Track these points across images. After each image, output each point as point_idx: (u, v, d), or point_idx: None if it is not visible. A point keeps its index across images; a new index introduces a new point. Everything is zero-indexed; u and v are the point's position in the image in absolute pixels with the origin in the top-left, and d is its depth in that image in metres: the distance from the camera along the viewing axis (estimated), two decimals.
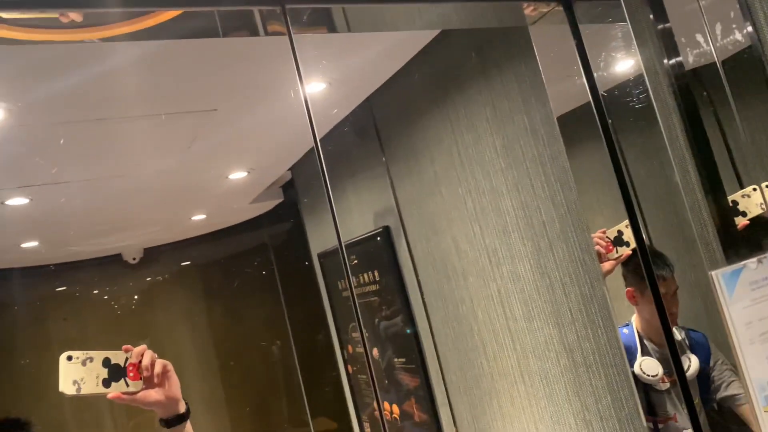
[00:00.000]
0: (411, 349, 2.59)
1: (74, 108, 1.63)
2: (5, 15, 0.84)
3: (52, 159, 1.96)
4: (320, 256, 3.51)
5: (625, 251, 1.36)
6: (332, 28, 1.30)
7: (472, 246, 2.12)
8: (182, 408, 1.20)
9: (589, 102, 1.33)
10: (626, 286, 1.45)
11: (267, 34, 1.14)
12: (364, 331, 2.73)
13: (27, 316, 4.12)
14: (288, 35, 1.02)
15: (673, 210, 1.33)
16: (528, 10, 1.32)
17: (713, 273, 1.08)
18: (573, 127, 1.51)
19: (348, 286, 1.00)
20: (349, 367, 3.39)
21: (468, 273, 2.17)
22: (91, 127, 1.78)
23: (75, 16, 0.93)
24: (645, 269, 1.25)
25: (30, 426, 1.42)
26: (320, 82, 1.86)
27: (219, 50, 1.50)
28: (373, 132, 2.58)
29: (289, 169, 3.20)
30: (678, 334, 1.30)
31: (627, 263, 1.39)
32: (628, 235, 1.33)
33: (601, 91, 1.32)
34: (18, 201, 2.37)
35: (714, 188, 1.28)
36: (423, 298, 2.51)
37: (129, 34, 1.06)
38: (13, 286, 3.97)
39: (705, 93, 1.33)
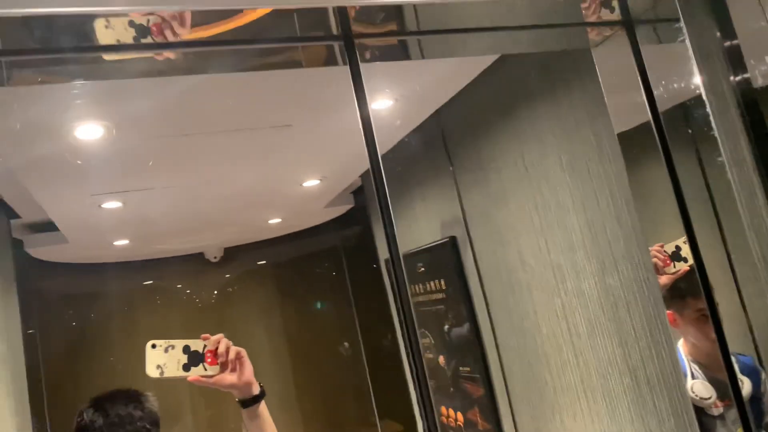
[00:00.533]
0: (476, 358, 2.62)
1: (164, 124, 1.77)
2: (108, 57, 0.96)
3: (143, 168, 2.13)
4: (387, 261, 3.59)
5: (683, 267, 1.35)
6: (405, 56, 1.37)
7: (538, 260, 2.12)
8: (256, 390, 1.32)
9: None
10: (666, 309, 1.44)
11: (345, 64, 1.20)
12: (422, 336, 2.77)
13: (118, 307, 4.43)
14: (350, 68, 1.09)
15: (734, 231, 1.31)
16: (592, 34, 1.34)
17: None
18: (641, 143, 1.51)
19: (397, 293, 1.04)
20: None
21: (533, 287, 2.18)
22: (178, 140, 1.92)
23: (169, 54, 1.04)
24: (703, 287, 1.24)
25: (141, 395, 1.57)
26: (387, 99, 1.93)
27: (294, 72, 1.59)
28: (441, 142, 2.63)
29: (359, 176, 3.30)
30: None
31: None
32: (687, 251, 1.32)
33: (661, 110, 1.32)
34: (112, 205, 2.58)
35: None
36: (488, 309, 2.53)
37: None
38: (106, 279, 4.28)
39: None
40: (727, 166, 1.27)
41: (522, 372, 2.34)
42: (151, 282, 4.58)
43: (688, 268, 1.33)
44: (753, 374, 1.31)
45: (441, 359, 2.93)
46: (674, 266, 1.38)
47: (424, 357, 3.29)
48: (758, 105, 1.32)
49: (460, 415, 2.82)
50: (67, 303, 4.15)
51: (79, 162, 1.84)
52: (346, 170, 2.85)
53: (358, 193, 3.90)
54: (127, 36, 0.96)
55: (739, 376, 1.29)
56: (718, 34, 1.34)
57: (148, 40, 0.97)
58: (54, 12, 0.90)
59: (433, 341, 3.00)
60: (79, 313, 4.21)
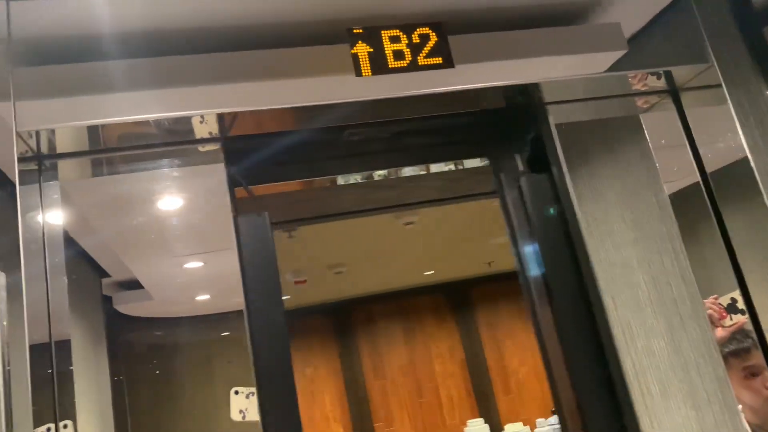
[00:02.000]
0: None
1: None
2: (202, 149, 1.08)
3: (219, 232, 2.28)
4: None
5: (741, 319, 1.32)
6: None
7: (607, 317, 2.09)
8: None
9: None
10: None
11: None
12: None
13: (197, 357, 4.61)
14: None
15: None
16: (640, 102, 1.37)
17: None
18: (697, 201, 1.52)
19: None
20: None
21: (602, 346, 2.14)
22: None
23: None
24: (759, 342, 1.22)
25: None
26: None
27: None
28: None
29: None
30: None
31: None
32: (742, 303, 1.30)
33: (711, 169, 1.34)
34: (194, 264, 2.76)
35: None
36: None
37: None
38: (188, 331, 4.48)
39: None
40: None
41: None
42: (228, 333, 4.76)
43: (746, 320, 1.30)
44: None
45: None
46: (731, 318, 1.35)
47: None
48: None
49: None
50: (152, 354, 4.36)
51: (160, 229, 2.00)
52: None
53: None
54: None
55: None
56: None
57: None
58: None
59: None
60: (163, 363, 4.41)
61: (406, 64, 1.15)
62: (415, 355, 7.06)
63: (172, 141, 1.29)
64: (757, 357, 1.29)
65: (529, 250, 1.80)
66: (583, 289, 1.61)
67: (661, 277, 1.78)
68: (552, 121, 1.49)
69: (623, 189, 1.90)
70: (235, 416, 1.35)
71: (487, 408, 7.04)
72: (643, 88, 1.35)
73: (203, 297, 3.75)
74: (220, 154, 1.44)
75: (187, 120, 1.25)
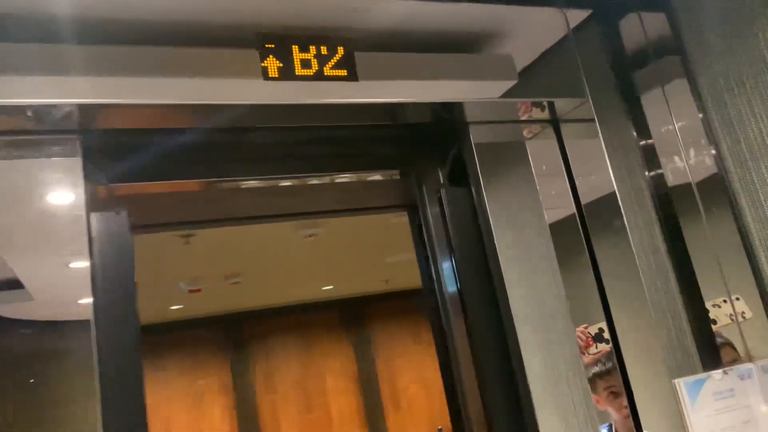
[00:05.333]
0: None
1: None
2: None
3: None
4: None
5: (604, 348, 1.45)
6: None
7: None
8: None
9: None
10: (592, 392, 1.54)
11: None
12: None
13: (79, 366, 4.35)
14: None
15: (647, 315, 1.43)
16: (525, 131, 1.49)
17: (676, 381, 1.17)
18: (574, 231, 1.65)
19: None
20: None
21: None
22: None
23: None
24: (620, 368, 1.35)
25: None
26: None
27: None
28: None
29: None
30: None
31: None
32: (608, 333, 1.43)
33: (588, 200, 1.46)
34: (80, 264, 2.63)
35: (692, 296, 1.38)
36: None
37: None
38: (69, 337, 4.22)
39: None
40: (635, 255, 1.40)
41: None
42: None
43: (609, 349, 1.43)
44: None
45: None
46: (596, 347, 1.49)
47: None
48: (670, 197, 1.47)
49: None
50: (27, 360, 4.07)
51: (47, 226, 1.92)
52: None
53: None
54: None
55: None
56: (634, 133, 1.50)
57: None
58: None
59: None
60: (38, 372, 4.13)
61: (312, 73, 1.20)
62: (308, 370, 7.04)
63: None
64: (618, 379, 1.43)
65: (446, 264, 1.85)
66: (495, 305, 1.69)
67: (536, 295, 1.91)
68: (473, 139, 1.58)
69: (506, 211, 2.03)
70: None
71: (375, 424, 7.11)
72: (527, 117, 1.47)
73: (87, 300, 3.56)
74: (77, 148, 1.37)
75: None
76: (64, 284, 2.54)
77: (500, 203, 2.06)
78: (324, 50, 1.20)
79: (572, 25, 1.54)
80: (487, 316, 1.71)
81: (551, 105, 1.48)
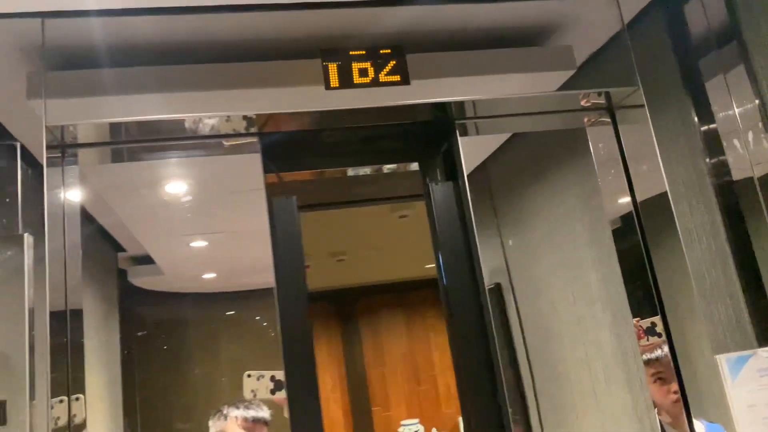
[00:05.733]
0: (517, 401, 2.77)
1: (233, 181, 2.15)
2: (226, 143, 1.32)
3: (220, 215, 2.52)
4: None
5: (656, 341, 1.52)
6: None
7: (566, 310, 2.30)
8: None
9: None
10: None
11: None
12: None
13: (203, 333, 4.84)
14: None
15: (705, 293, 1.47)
16: (585, 120, 1.58)
17: (717, 357, 1.24)
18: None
19: None
20: None
21: (563, 335, 2.35)
22: (246, 195, 2.30)
23: None
24: (672, 360, 1.42)
25: None
26: None
27: None
28: (488, 196, 2.86)
29: None
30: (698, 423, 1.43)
31: None
32: (661, 327, 1.49)
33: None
34: (200, 243, 3.01)
35: (749, 279, 1.42)
36: (527, 355, 2.70)
37: None
38: (195, 308, 4.71)
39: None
40: (681, 238, 1.44)
41: (555, 417, 2.48)
42: (233, 312, 5.01)
43: (660, 341, 1.50)
44: None
45: None
46: (648, 339, 1.56)
47: None
48: (731, 183, 1.50)
49: None
50: (161, 328, 4.60)
51: (168, 210, 2.25)
52: None
53: None
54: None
55: None
56: (695, 119, 1.54)
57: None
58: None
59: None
60: (170, 337, 4.66)
61: (368, 81, 1.37)
62: (415, 345, 7.28)
63: (194, 135, 1.53)
64: (666, 367, 1.51)
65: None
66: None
67: (609, 276, 1.97)
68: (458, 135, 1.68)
69: (582, 193, 2.10)
70: (248, 394, 1.67)
71: None
72: (586, 105, 1.55)
73: (210, 275, 4.00)
74: (256, 146, 1.69)
75: (198, 119, 1.48)
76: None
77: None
78: (379, 59, 1.36)
79: (630, 14, 1.59)
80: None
81: (607, 95, 1.55)
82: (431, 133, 1.78)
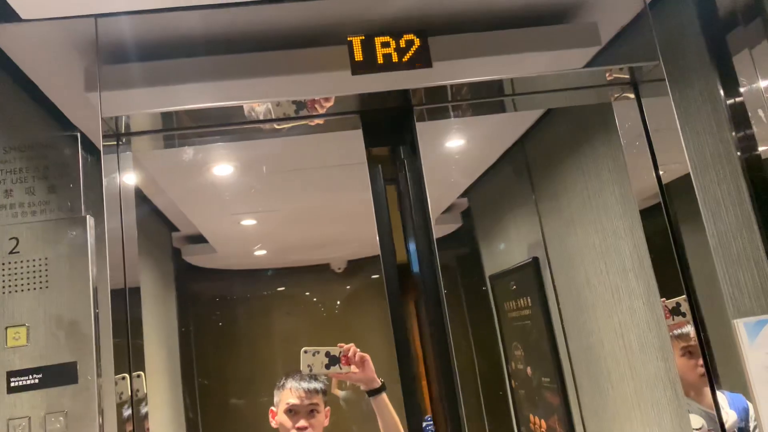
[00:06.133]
0: (553, 370, 2.83)
1: (280, 161, 2.27)
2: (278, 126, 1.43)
3: (268, 195, 2.66)
4: (491, 278, 3.85)
5: (680, 321, 1.56)
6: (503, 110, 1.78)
7: (600, 281, 2.35)
8: (377, 384, 1.85)
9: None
10: None
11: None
12: (514, 349, 3.02)
13: (257, 309, 5.01)
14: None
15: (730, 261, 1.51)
16: (611, 95, 1.61)
17: (735, 321, 1.28)
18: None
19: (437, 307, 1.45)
20: (513, 381, 3.68)
21: (596, 306, 2.40)
22: (294, 173, 2.42)
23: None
24: (698, 337, 1.46)
25: None
26: (459, 140, 2.28)
27: None
28: (526, 172, 2.90)
29: (465, 197, 3.63)
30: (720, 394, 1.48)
31: None
32: (686, 307, 1.54)
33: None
34: (249, 222, 3.17)
35: None
36: (563, 325, 2.75)
37: None
38: (248, 285, 4.89)
39: None
40: (708, 205, 1.48)
41: (590, 384, 2.54)
42: (284, 288, 5.18)
43: (684, 322, 1.55)
44: (740, 409, 1.49)
45: (528, 370, 3.15)
46: (673, 319, 1.60)
47: (516, 368, 3.51)
48: (758, 155, 1.52)
49: (543, 423, 3.03)
50: (216, 305, 4.81)
51: (217, 190, 2.40)
52: (446, 192, 3.21)
53: (466, 214, 4.20)
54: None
55: (726, 409, 1.49)
56: (722, 92, 1.56)
57: (305, 112, 1.50)
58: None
59: (523, 353, 3.23)
60: (224, 313, 4.87)
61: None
62: None
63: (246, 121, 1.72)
64: (694, 341, 1.55)
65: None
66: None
67: (641, 245, 2.01)
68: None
69: (615, 167, 2.13)
70: (304, 369, 1.87)
71: None
72: (610, 80, 1.59)
73: (261, 252, 4.17)
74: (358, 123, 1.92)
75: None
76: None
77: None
78: (402, 43, 1.44)
79: None
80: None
81: (630, 70, 1.58)
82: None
